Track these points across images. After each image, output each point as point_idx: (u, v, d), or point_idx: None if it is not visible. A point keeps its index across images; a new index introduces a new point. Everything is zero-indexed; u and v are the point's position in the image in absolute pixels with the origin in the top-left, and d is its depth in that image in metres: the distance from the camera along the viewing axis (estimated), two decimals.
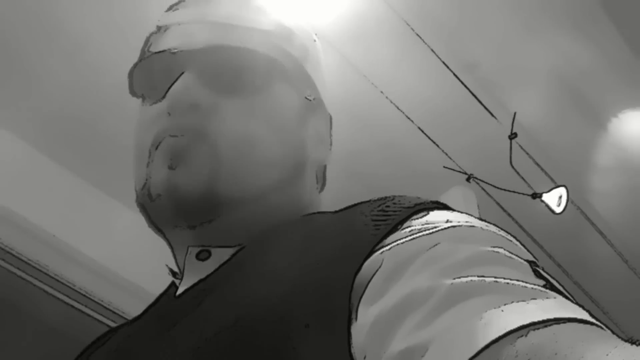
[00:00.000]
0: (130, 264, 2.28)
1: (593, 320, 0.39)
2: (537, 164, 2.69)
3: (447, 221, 0.50)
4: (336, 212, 0.61)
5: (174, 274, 0.67)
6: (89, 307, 2.42)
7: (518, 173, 2.59)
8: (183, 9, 0.70)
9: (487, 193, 2.69)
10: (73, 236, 2.38)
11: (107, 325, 2.36)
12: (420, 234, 0.49)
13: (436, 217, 0.51)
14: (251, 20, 0.68)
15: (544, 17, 2.40)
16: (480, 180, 2.63)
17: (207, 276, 0.60)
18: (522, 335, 0.36)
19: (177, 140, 0.62)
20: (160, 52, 0.67)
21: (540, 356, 0.34)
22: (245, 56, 0.66)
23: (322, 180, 0.74)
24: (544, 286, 0.42)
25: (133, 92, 0.69)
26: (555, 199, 2.52)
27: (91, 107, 2.22)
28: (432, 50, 2.34)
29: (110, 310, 2.44)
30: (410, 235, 0.49)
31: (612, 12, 2.35)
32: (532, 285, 0.41)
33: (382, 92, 2.40)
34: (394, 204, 0.55)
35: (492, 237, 0.49)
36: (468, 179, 2.63)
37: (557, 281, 0.45)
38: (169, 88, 0.63)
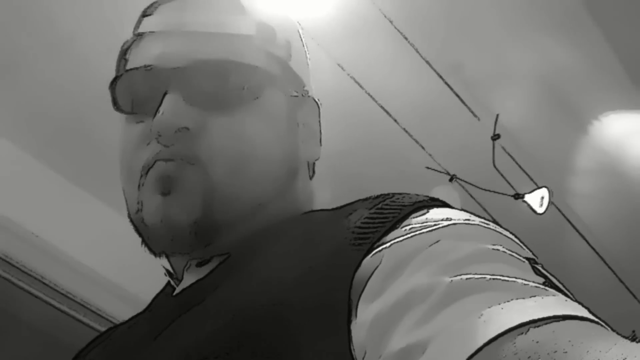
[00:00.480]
0: (118, 267, 2.27)
1: (593, 317, 0.39)
2: (519, 166, 2.71)
3: (447, 219, 0.50)
4: (334, 209, 0.61)
5: (170, 274, 0.66)
6: (74, 309, 2.40)
7: (501, 174, 2.61)
8: (159, 15, 0.66)
9: (469, 194, 2.70)
10: (58, 238, 2.35)
11: (93, 328, 2.35)
12: (420, 231, 0.49)
13: (436, 214, 0.51)
14: (231, 26, 0.64)
15: (529, 19, 2.42)
16: (462, 180, 2.65)
17: (206, 275, 0.60)
18: (522, 333, 0.36)
19: (168, 165, 0.59)
20: (138, 68, 0.63)
21: (540, 353, 0.35)
22: (229, 70, 0.62)
23: (312, 170, 0.72)
24: (543, 284, 0.42)
25: (119, 109, 0.65)
26: (537, 199, 2.55)
27: (78, 106, 2.20)
28: (416, 50, 2.35)
29: (96, 312, 2.42)
30: (410, 233, 0.49)
31: (596, 15, 2.37)
32: (531, 283, 0.41)
33: (365, 90, 2.40)
34: (393, 201, 0.54)
35: (491, 234, 0.49)
36: (451, 180, 2.65)
37: (556, 279, 0.45)
38: (157, 110, 0.60)
